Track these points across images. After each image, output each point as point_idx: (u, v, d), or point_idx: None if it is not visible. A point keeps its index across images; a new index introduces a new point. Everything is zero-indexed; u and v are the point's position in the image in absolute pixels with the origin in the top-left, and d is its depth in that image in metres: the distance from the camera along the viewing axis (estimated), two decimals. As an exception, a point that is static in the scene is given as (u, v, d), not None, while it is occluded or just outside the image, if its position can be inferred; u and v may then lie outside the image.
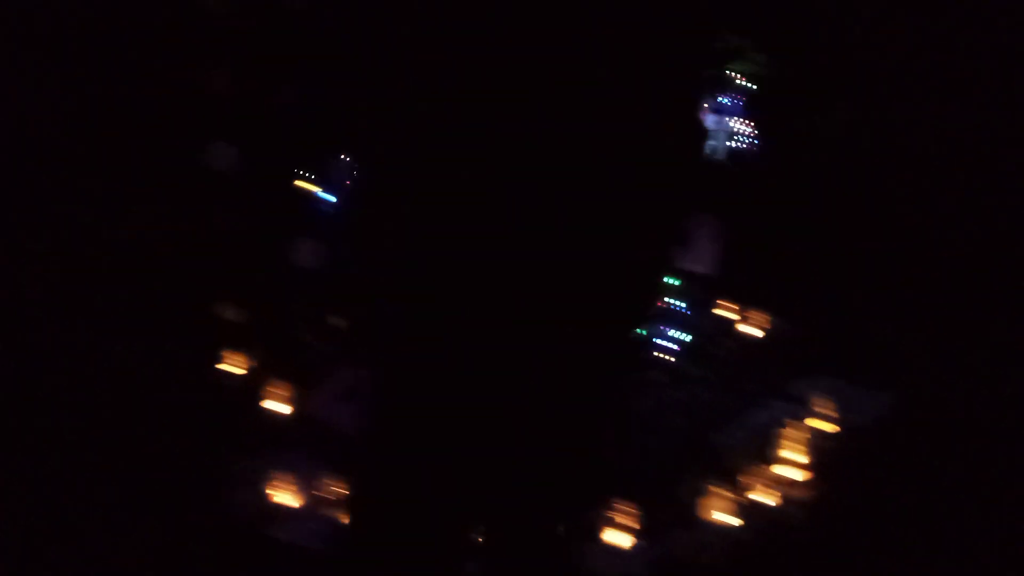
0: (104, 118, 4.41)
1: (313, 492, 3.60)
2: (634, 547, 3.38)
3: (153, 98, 4.49)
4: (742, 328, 5.20)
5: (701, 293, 5.38)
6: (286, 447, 4.00)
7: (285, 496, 3.62)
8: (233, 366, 4.54)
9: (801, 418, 4.22)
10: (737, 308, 5.34)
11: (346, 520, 3.46)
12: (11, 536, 3.28)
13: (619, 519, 3.41)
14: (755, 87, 5.04)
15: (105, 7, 4.33)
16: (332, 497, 3.55)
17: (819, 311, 5.23)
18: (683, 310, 5.13)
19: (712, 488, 3.52)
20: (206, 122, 4.58)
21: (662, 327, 4.93)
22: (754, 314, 5.25)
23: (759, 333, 5.20)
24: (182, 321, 4.58)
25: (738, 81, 5.08)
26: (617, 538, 3.39)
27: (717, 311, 5.35)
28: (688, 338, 4.93)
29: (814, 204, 5.24)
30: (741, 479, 3.67)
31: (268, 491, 3.60)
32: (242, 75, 4.50)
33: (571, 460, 2.95)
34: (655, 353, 4.89)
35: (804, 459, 3.86)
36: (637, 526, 3.42)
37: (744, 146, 5.09)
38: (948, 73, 4.91)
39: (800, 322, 5.26)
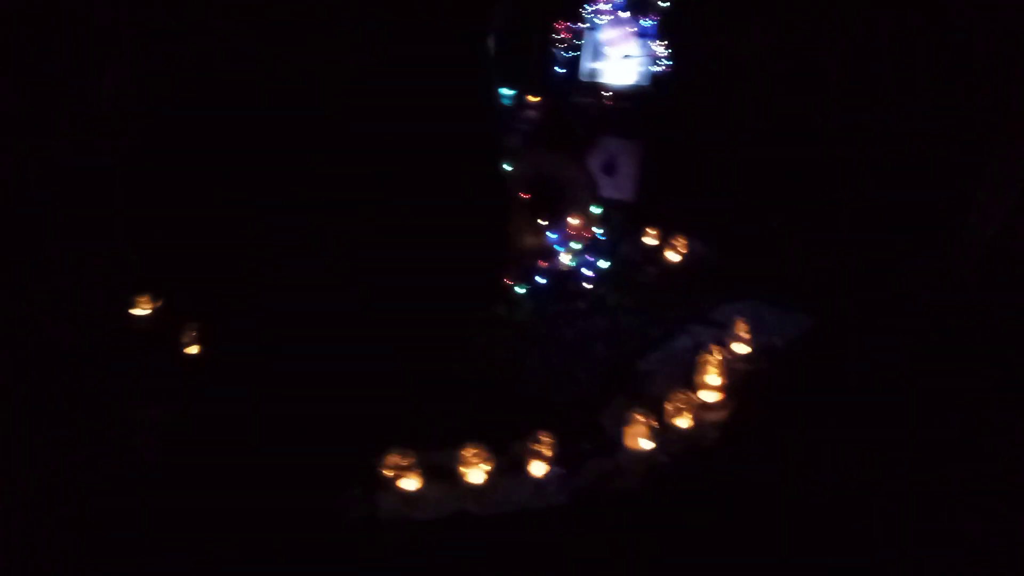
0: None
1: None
2: (555, 475, 3.41)
3: None
4: (666, 255, 5.25)
5: (623, 221, 5.40)
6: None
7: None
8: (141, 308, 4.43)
9: (722, 342, 4.27)
10: (659, 235, 5.38)
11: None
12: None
13: (542, 450, 3.43)
14: (670, 6, 4.97)
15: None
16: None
17: (740, 236, 5.32)
18: (604, 239, 5.16)
19: (634, 415, 3.55)
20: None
21: (586, 256, 4.93)
22: (677, 240, 5.29)
23: (680, 259, 5.26)
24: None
25: (657, 2, 5.00)
26: (539, 469, 3.42)
27: (640, 238, 5.39)
28: (607, 266, 4.96)
29: (730, 126, 5.26)
30: (663, 404, 3.71)
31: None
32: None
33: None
34: (580, 283, 4.91)
35: (721, 382, 3.91)
36: (557, 455, 3.45)
37: (664, 69, 5.05)
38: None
39: (721, 247, 5.35)
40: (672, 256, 5.25)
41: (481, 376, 4.26)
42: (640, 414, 3.60)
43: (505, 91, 5.32)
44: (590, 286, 4.86)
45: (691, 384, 3.95)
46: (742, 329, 4.27)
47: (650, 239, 5.38)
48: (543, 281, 4.83)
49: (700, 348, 4.20)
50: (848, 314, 4.47)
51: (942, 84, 4.77)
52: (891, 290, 4.57)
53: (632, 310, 4.81)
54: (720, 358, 4.02)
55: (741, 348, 4.24)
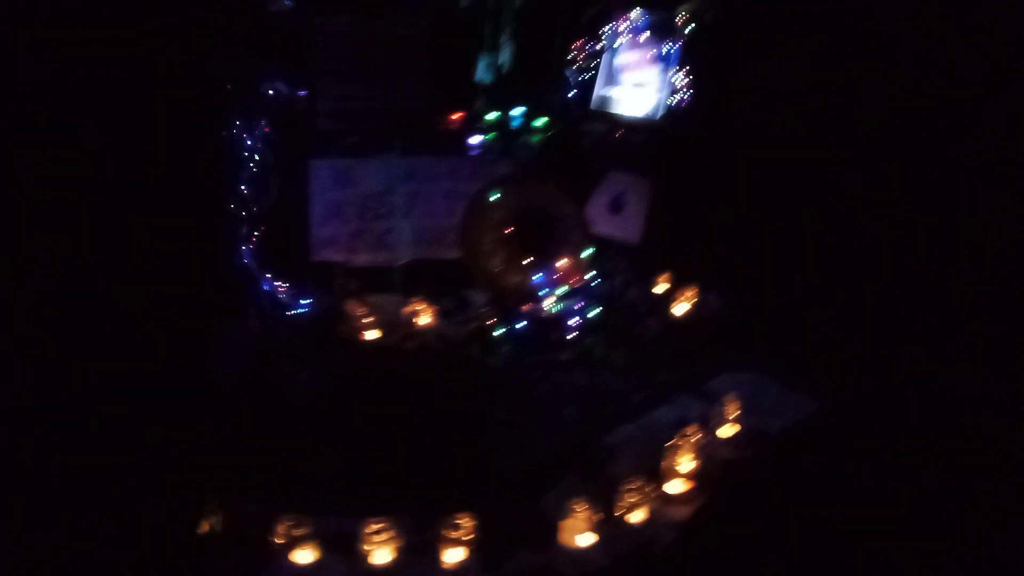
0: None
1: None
2: (471, 566, 2.93)
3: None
4: (672, 307, 4.70)
5: (628, 265, 4.87)
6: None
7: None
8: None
9: (706, 421, 3.72)
10: (668, 283, 4.83)
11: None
12: None
13: (458, 535, 2.95)
14: (697, 30, 4.38)
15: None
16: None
17: (758, 295, 4.72)
18: (596, 284, 4.61)
19: (573, 504, 3.04)
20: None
21: (573, 303, 4.42)
22: (686, 291, 4.73)
23: (687, 312, 4.70)
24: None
25: (680, 24, 4.42)
26: (454, 556, 2.94)
27: (646, 286, 4.85)
28: (596, 315, 4.42)
29: (759, 169, 4.65)
30: (620, 492, 3.19)
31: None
32: None
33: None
34: (564, 332, 4.41)
35: (692, 470, 3.36)
36: (479, 541, 2.97)
37: (683, 102, 4.50)
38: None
39: (736, 304, 4.76)
40: (679, 309, 4.71)
41: (431, 429, 3.80)
42: (581, 504, 3.08)
43: (515, 112, 4.87)
44: (574, 336, 4.35)
45: (658, 472, 3.41)
46: (732, 408, 3.71)
47: (657, 287, 4.85)
48: (522, 326, 4.34)
49: (683, 424, 3.67)
50: (858, 403, 3.85)
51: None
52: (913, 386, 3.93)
53: (619, 369, 4.28)
54: (696, 440, 3.48)
55: (726, 430, 3.68)
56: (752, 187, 4.67)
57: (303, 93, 4.51)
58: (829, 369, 4.14)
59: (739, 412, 3.73)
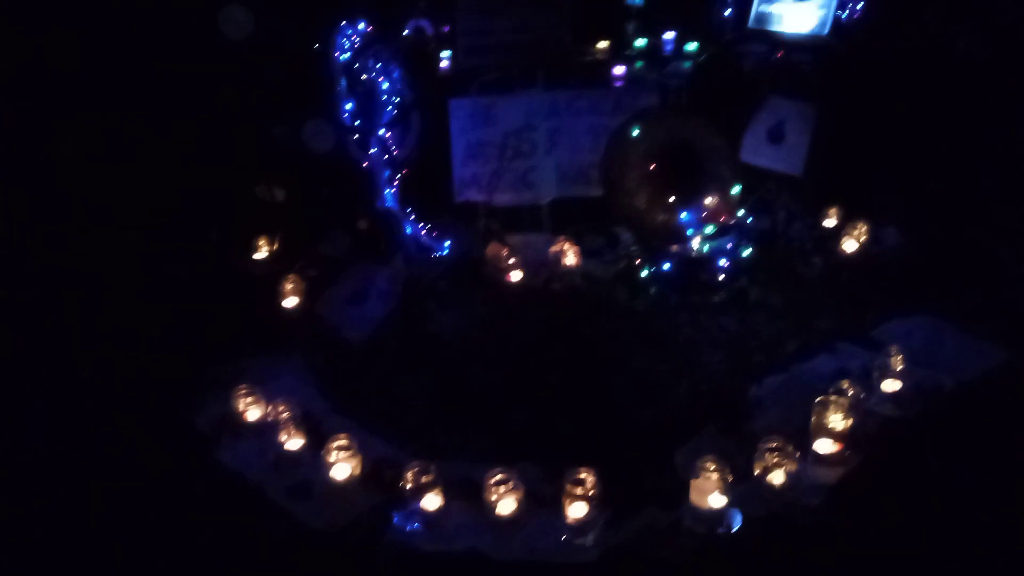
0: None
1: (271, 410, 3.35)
2: (594, 521, 2.84)
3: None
4: (841, 244, 4.28)
5: (787, 199, 4.46)
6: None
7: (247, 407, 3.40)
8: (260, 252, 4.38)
9: (868, 372, 3.37)
10: (838, 217, 4.39)
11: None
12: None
13: (580, 491, 2.87)
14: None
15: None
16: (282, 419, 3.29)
17: (946, 231, 4.18)
18: (752, 220, 4.25)
19: (705, 463, 2.86)
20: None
21: (723, 242, 4.12)
22: (857, 226, 4.29)
23: (858, 249, 4.26)
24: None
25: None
26: (577, 511, 2.87)
27: (808, 221, 4.44)
28: (750, 254, 4.08)
29: (938, 87, 4.02)
30: (761, 450, 2.97)
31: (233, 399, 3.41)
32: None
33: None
34: (715, 273, 4.13)
35: (844, 428, 3.06)
36: (601, 496, 2.86)
37: (851, 14, 3.96)
38: None
39: (917, 241, 4.26)
40: (849, 246, 4.28)
41: (570, 375, 3.72)
42: (717, 461, 2.89)
43: (666, 36, 4.54)
44: (726, 277, 4.07)
45: (807, 428, 3.14)
46: (896, 357, 3.33)
47: (826, 222, 4.44)
48: (670, 266, 4.12)
49: (840, 377, 3.36)
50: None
51: None
52: None
53: (776, 312, 3.97)
54: (851, 395, 3.16)
55: (890, 384, 3.31)
56: (937, 110, 4.09)
57: (446, 29, 4.43)
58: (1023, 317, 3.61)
59: (907, 364, 3.33)
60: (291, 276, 4.22)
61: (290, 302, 4.17)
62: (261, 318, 4.06)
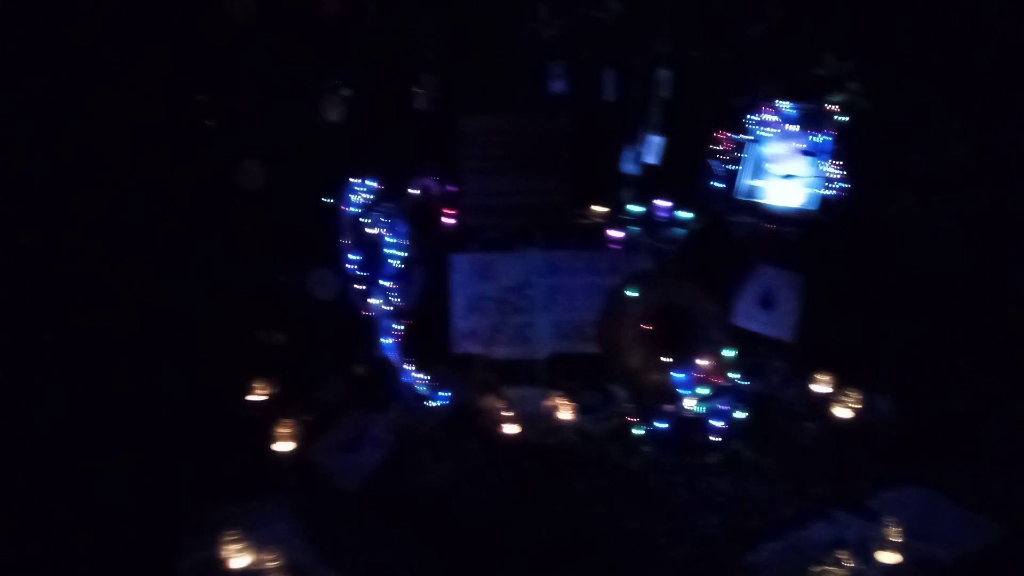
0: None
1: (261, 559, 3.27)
2: None
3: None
4: (833, 409, 4.33)
5: (779, 363, 4.55)
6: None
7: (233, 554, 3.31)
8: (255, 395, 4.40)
9: (865, 543, 3.34)
10: (831, 383, 4.47)
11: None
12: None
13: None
14: (850, 121, 4.14)
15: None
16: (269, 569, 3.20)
17: (938, 401, 4.26)
18: (746, 383, 4.34)
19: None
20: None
21: (716, 403, 4.18)
22: (850, 393, 4.35)
23: (852, 416, 4.31)
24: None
25: (834, 115, 4.20)
26: None
27: (800, 386, 4.51)
28: (743, 417, 4.14)
29: (921, 261, 4.22)
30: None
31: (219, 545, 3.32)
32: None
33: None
34: (708, 434, 4.16)
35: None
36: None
37: (836, 193, 4.21)
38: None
39: (910, 411, 4.32)
40: (841, 412, 4.33)
41: (562, 532, 3.66)
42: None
43: (660, 204, 4.77)
44: (719, 439, 4.09)
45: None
46: (894, 529, 3.31)
47: (818, 387, 4.50)
48: (664, 426, 4.14)
49: (837, 546, 3.32)
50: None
51: None
52: None
53: (770, 476, 3.97)
54: (849, 566, 3.12)
55: (887, 557, 3.28)
56: (922, 281, 4.27)
57: (452, 189, 4.65)
58: (1017, 490, 3.62)
59: (904, 536, 3.31)
60: (286, 420, 4.20)
61: (284, 446, 4.13)
62: (253, 461, 4.01)
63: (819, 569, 3.07)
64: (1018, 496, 3.61)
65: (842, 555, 3.17)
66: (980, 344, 4.26)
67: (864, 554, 3.28)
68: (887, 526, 3.31)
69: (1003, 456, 3.87)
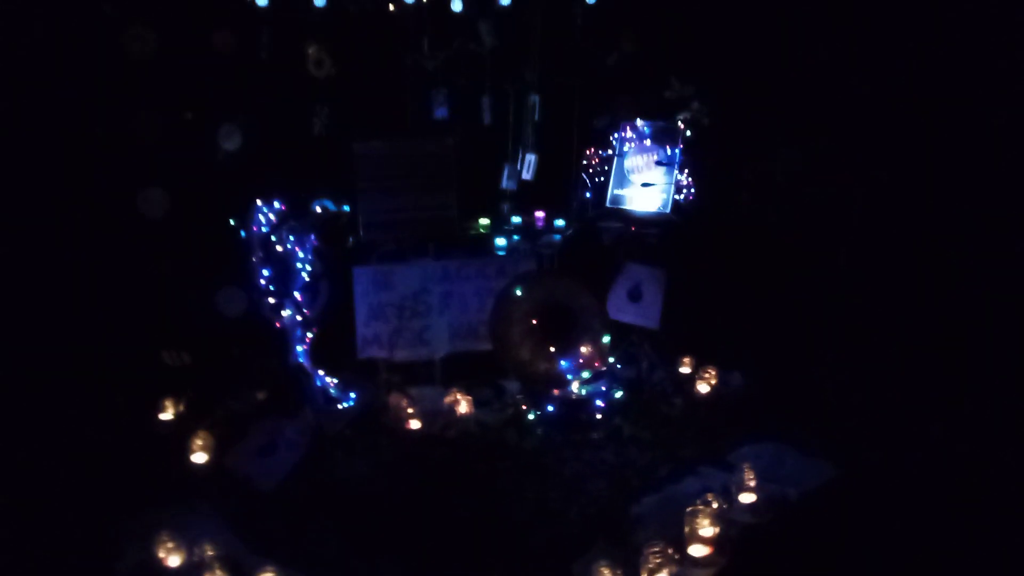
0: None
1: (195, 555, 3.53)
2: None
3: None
4: (696, 386, 4.98)
5: (649, 350, 5.20)
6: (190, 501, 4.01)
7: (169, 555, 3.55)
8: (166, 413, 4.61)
9: (728, 489, 3.97)
10: (692, 364, 5.13)
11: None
12: None
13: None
14: (694, 135, 4.88)
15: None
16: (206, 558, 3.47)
17: (780, 371, 5.00)
18: (622, 367, 4.97)
19: (599, 569, 3.30)
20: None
21: (598, 386, 4.76)
22: (707, 371, 5.02)
23: (710, 390, 4.98)
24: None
25: (680, 129, 4.92)
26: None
27: (667, 369, 5.15)
28: (621, 396, 4.76)
29: (759, 254, 5.02)
30: (645, 556, 3.44)
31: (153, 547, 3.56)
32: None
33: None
34: (593, 413, 4.72)
35: (713, 534, 3.59)
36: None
37: (686, 197, 4.93)
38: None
39: (758, 381, 5.04)
40: (702, 388, 5.00)
41: (471, 507, 4.09)
42: (607, 568, 3.34)
43: (537, 214, 5.32)
44: (602, 416, 4.66)
45: (682, 536, 3.65)
46: (749, 475, 3.96)
47: (683, 368, 5.16)
48: (553, 409, 4.67)
49: (706, 493, 3.92)
50: (875, 469, 4.07)
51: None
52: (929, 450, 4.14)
53: (647, 445, 4.56)
54: (715, 507, 3.73)
55: (746, 497, 3.92)
56: (761, 270, 5.02)
57: (347, 208, 5.03)
58: (846, 439, 4.36)
59: (758, 480, 3.96)
60: (200, 432, 4.43)
61: (199, 457, 4.36)
62: (171, 473, 4.23)
63: (692, 508, 3.62)
64: (844, 443, 4.34)
65: (710, 497, 3.75)
66: (812, 323, 5.02)
67: (728, 498, 3.90)
68: (744, 473, 3.95)
69: (833, 414, 4.60)
